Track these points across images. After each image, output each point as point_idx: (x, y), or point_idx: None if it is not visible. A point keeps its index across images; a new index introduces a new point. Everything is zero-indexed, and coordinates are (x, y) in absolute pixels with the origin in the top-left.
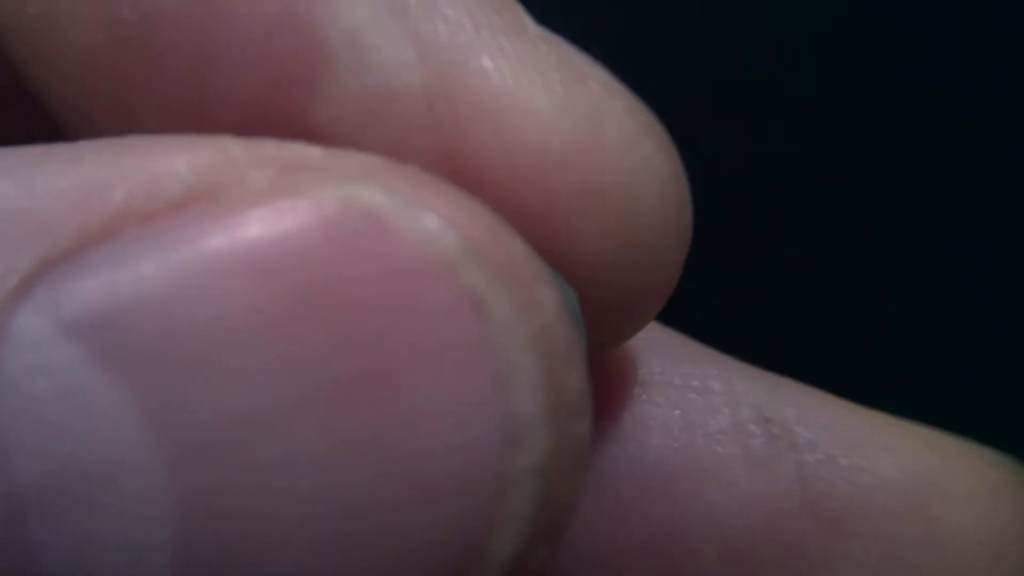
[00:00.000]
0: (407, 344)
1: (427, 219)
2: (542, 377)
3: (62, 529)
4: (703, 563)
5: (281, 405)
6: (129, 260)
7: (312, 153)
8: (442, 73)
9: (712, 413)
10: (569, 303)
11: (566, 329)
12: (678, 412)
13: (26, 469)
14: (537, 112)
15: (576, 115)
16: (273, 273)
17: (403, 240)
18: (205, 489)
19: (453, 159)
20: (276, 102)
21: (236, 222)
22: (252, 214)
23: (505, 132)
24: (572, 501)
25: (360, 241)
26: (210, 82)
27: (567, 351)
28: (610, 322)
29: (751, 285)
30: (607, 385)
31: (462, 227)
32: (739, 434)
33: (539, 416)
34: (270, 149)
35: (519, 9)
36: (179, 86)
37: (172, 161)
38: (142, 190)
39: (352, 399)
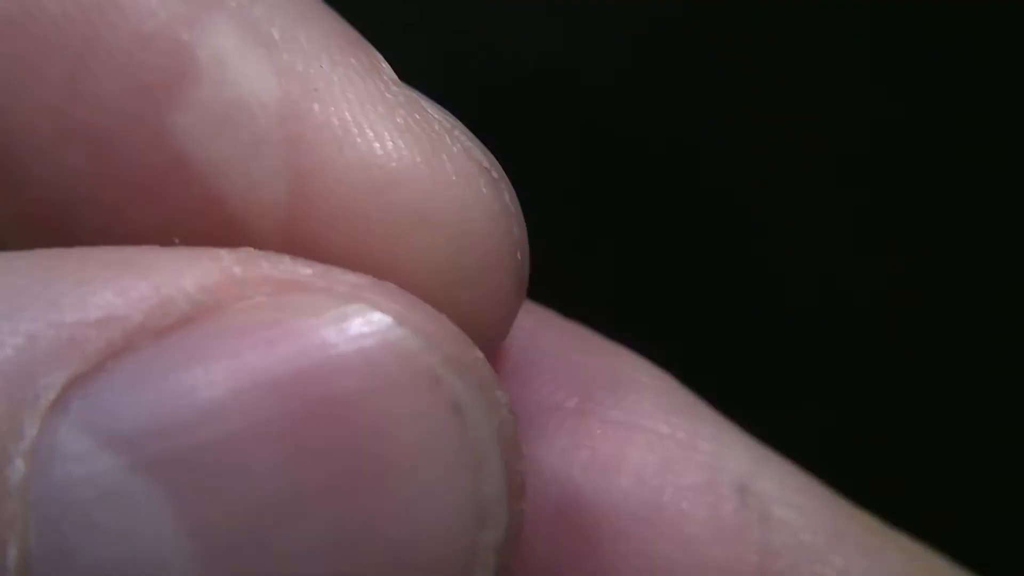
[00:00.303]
0: (399, 444)
1: (414, 337)
2: (504, 464)
3: None
4: None
5: (293, 497)
6: (149, 375)
7: (303, 271)
8: (296, 97)
9: (689, 468)
10: None
11: (515, 423)
12: (654, 459)
13: (78, 567)
14: (379, 136)
15: (414, 144)
16: (280, 387)
17: (395, 357)
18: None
19: (299, 174)
20: (141, 107)
21: (244, 343)
22: (257, 336)
23: (347, 151)
24: (511, 566)
25: (354, 359)
26: (81, 83)
27: (516, 441)
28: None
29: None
30: (585, 418)
31: (441, 342)
32: (711, 495)
33: (501, 498)
34: (265, 267)
35: (376, 55)
36: (52, 84)
37: (180, 280)
38: (156, 309)
39: (353, 492)
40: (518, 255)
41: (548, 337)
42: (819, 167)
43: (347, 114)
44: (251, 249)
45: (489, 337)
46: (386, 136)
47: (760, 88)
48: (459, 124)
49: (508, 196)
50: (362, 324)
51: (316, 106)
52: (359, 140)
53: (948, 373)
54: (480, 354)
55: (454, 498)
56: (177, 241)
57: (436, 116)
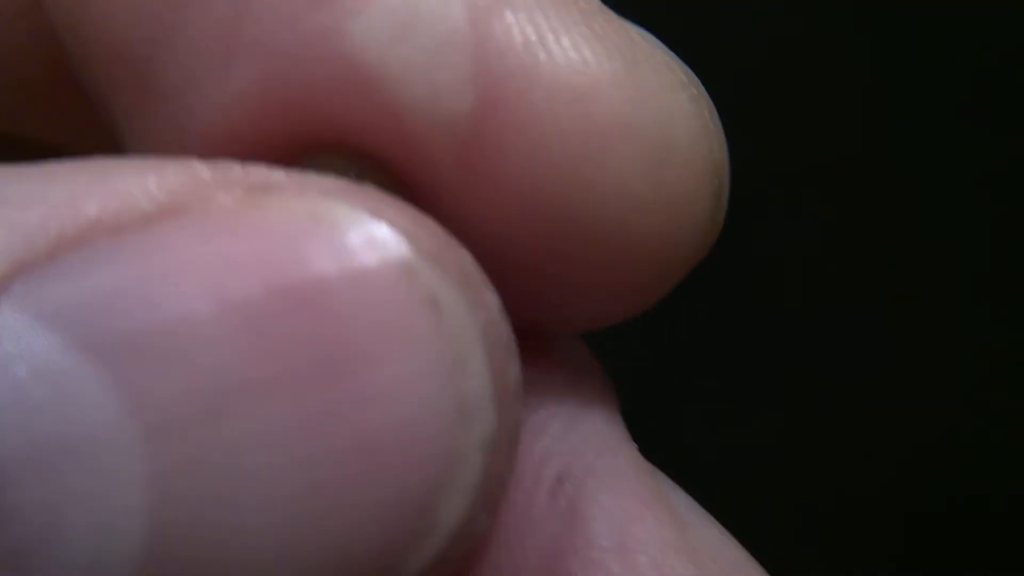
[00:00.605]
0: (370, 334)
1: (388, 230)
2: (489, 363)
3: (35, 497)
4: None
5: (249, 385)
6: (103, 262)
7: (277, 176)
8: (485, 2)
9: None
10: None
11: (506, 326)
12: None
13: (6, 442)
14: (576, 43)
15: (615, 52)
16: (243, 273)
17: (367, 248)
18: (176, 464)
19: (489, 81)
20: (316, 14)
21: (206, 237)
22: (220, 231)
23: (543, 57)
24: (507, 475)
25: (325, 248)
26: None
27: (507, 344)
28: (634, 280)
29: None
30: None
31: (418, 237)
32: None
33: (487, 396)
34: (237, 172)
35: None
36: (219, 1)
37: (143, 180)
38: (114, 204)
39: (316, 380)
40: (718, 179)
41: None
42: (819, 167)
43: (541, 19)
44: (231, 163)
45: (677, 269)
46: (583, 43)
47: (760, 87)
48: (654, 38)
49: (709, 114)
50: (333, 219)
51: (508, 11)
52: (555, 46)
53: (948, 373)
54: (466, 253)
55: (429, 392)
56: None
57: (632, 29)
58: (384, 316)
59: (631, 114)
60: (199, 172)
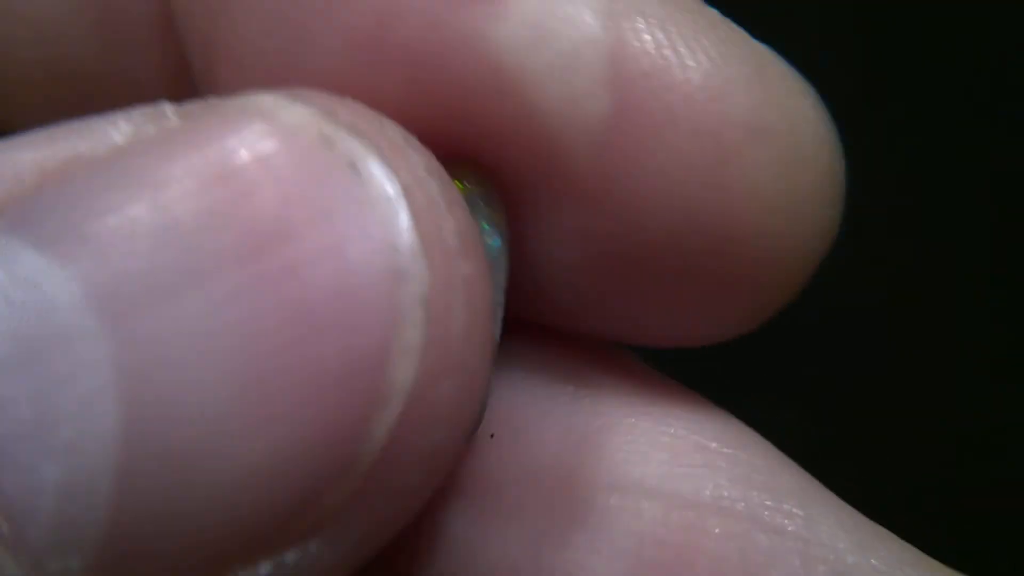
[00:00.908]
0: (296, 203)
1: (305, 108)
2: (413, 219)
3: (24, 384)
4: None
5: (191, 264)
6: (79, 185)
7: (230, 99)
8: (619, 8)
9: (777, 560)
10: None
11: (437, 183)
12: (735, 549)
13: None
14: (707, 48)
15: (744, 58)
16: (178, 160)
17: (288, 127)
18: (132, 344)
19: (624, 85)
20: (459, 19)
21: (161, 155)
22: (173, 144)
23: (677, 61)
24: (466, 336)
25: (247, 135)
26: (396, 3)
27: (438, 200)
28: (758, 287)
29: None
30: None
31: (336, 111)
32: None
33: (416, 251)
34: (197, 104)
35: None
36: (364, 7)
37: (114, 119)
38: (90, 139)
39: (251, 253)
40: (838, 183)
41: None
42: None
43: (671, 25)
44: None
45: (800, 273)
46: (713, 48)
47: None
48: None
49: (828, 123)
50: (260, 108)
51: (639, 17)
52: (686, 52)
53: (948, 373)
54: (389, 120)
55: (358, 253)
56: (483, 161)
57: (750, 36)
58: (306, 185)
59: (763, 117)
60: (163, 107)
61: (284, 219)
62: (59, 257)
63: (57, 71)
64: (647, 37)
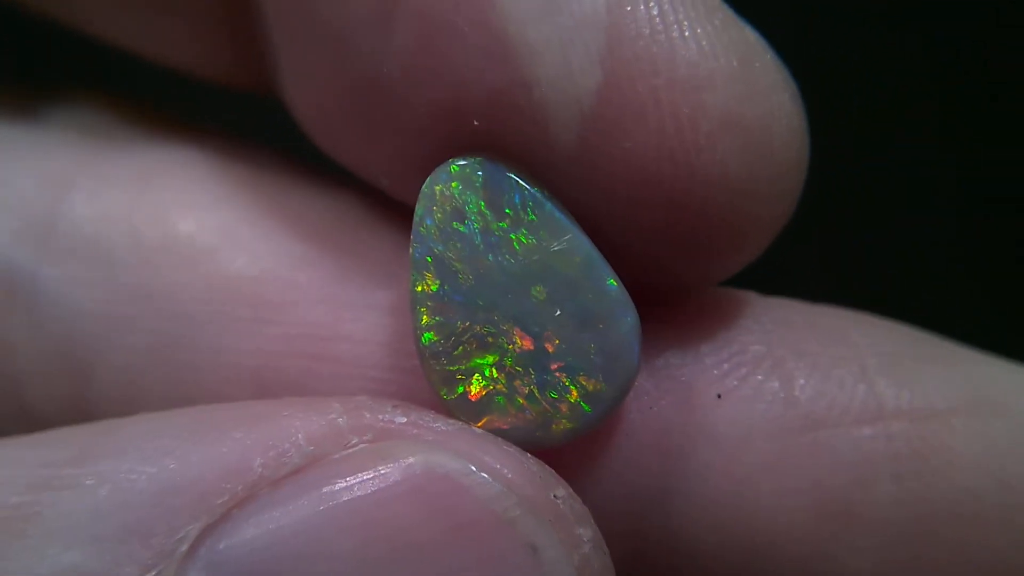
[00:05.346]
0: None
1: (490, 482)
2: None
3: None
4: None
5: None
6: (265, 520)
7: (400, 419)
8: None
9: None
10: (633, 328)
11: (600, 555)
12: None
13: None
14: (698, 36)
15: (732, 47)
16: (373, 526)
17: (473, 500)
18: None
19: (617, 64)
20: None
21: (343, 488)
22: (357, 479)
23: (668, 46)
24: None
25: (439, 500)
26: None
27: (599, 571)
28: (724, 248)
29: None
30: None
31: (517, 485)
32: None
33: None
34: (367, 417)
35: None
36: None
37: (294, 434)
38: (272, 462)
39: None
40: (801, 174)
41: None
42: (819, 165)
43: (670, 10)
44: (362, 398)
45: (763, 241)
46: (705, 37)
47: None
48: (760, 36)
49: (802, 116)
50: (442, 471)
51: (641, 2)
52: (679, 38)
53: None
54: (562, 491)
55: None
56: (476, 123)
57: (746, 27)
58: (488, 567)
59: (740, 110)
60: (336, 420)
61: None
62: None
63: None
64: (646, 20)
